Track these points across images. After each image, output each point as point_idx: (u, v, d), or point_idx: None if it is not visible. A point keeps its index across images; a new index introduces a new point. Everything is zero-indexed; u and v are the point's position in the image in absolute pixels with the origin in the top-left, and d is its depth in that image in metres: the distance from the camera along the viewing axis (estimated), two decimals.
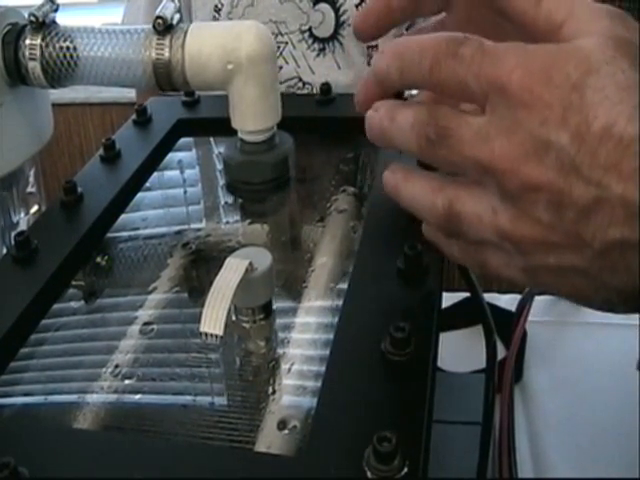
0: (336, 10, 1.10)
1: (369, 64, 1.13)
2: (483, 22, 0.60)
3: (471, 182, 0.37)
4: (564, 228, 0.34)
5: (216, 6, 1.12)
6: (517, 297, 0.85)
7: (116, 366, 0.48)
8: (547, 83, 0.33)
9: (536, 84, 0.33)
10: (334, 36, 1.12)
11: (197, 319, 0.43)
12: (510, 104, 0.34)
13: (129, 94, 1.33)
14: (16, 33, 0.63)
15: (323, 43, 1.12)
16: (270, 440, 0.42)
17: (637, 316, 0.38)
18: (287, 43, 1.13)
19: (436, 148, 0.37)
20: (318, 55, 1.13)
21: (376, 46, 1.10)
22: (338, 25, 1.11)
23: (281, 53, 1.13)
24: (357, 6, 1.09)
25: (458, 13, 0.60)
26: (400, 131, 0.40)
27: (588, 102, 0.32)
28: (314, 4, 1.10)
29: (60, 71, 0.63)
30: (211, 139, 0.74)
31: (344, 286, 0.49)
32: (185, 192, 0.69)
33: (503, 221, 0.36)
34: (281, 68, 1.12)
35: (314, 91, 1.11)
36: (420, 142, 0.38)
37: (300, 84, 1.13)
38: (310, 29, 1.12)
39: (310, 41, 1.12)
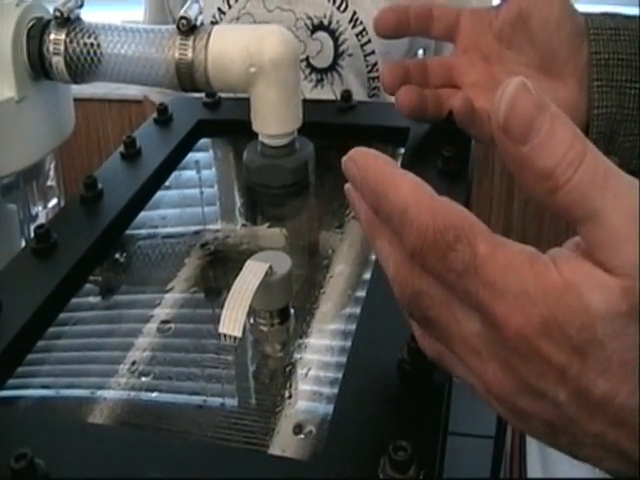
0: (335, 39, 1.04)
1: (369, 96, 1.08)
2: (487, 50, 0.64)
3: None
4: (558, 444, 0.33)
5: (212, 23, 1.04)
6: None
7: (133, 363, 0.48)
8: (547, 339, 0.29)
9: (535, 337, 0.30)
10: (333, 66, 1.05)
11: (214, 320, 0.43)
12: (505, 345, 0.31)
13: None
14: (41, 28, 0.64)
15: (321, 74, 1.06)
16: (285, 444, 0.42)
17: None
18: None
19: (420, 322, 0.35)
20: (315, 86, 1.06)
21: (377, 77, 1.05)
22: (337, 55, 1.04)
23: None
24: (357, 36, 1.03)
25: (463, 42, 0.65)
26: (380, 258, 0.36)
27: (589, 368, 0.29)
28: (312, 32, 1.03)
29: (83, 67, 0.63)
30: (231, 141, 0.75)
31: (362, 293, 0.49)
32: (203, 193, 0.69)
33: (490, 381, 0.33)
34: None
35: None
36: (402, 299, 0.35)
37: None
38: (307, 58, 1.05)
39: (307, 71, 1.05)
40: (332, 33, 1.04)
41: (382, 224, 0.34)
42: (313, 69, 1.06)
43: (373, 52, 1.05)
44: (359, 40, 1.04)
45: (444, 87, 0.64)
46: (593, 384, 0.29)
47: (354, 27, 1.03)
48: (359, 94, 1.06)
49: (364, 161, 0.34)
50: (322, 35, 1.04)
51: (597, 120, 0.59)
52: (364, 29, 1.03)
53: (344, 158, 0.35)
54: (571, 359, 0.29)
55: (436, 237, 0.31)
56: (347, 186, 0.37)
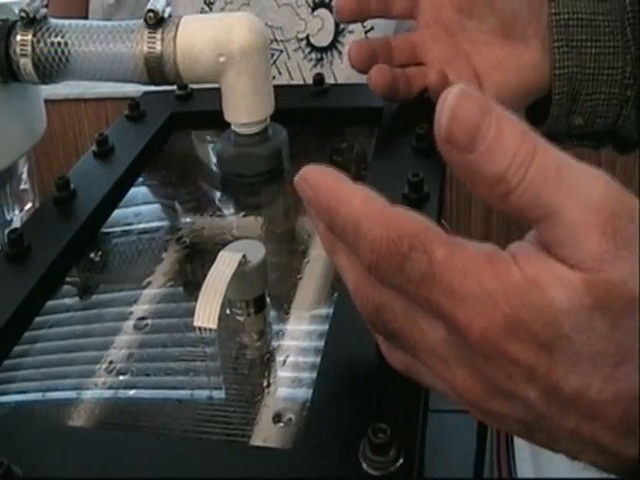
0: None
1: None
2: (448, 22, 0.64)
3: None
4: (535, 440, 0.33)
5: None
6: None
7: (110, 362, 0.48)
8: (512, 338, 0.29)
9: (500, 338, 0.29)
10: (333, 45, 1.06)
11: (192, 313, 0.42)
12: (470, 350, 0.30)
13: (123, 89, 1.32)
14: (7, 29, 0.63)
15: (321, 53, 1.06)
16: (266, 433, 0.41)
17: None
18: (282, 51, 1.07)
19: (384, 335, 0.36)
20: (315, 66, 1.07)
21: None
22: (338, 32, 1.05)
23: (274, 62, 1.07)
24: None
25: (424, 17, 0.65)
26: (340, 273, 0.37)
27: (558, 365, 0.29)
28: (313, 10, 1.05)
29: (52, 67, 0.62)
30: (205, 132, 0.74)
31: (339, 277, 0.49)
32: (178, 186, 0.69)
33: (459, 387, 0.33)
34: (273, 78, 1.07)
35: None
36: (364, 313, 0.35)
37: None
38: (307, 37, 1.06)
39: (307, 50, 1.06)
40: (333, 10, 1.03)
41: (339, 240, 0.34)
42: (313, 48, 1.06)
43: (372, 29, 1.04)
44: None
45: (409, 65, 0.65)
46: (563, 380, 0.29)
47: None
48: (359, 76, 1.06)
49: (315, 180, 0.34)
50: (323, 12, 1.05)
51: (559, 80, 0.59)
52: None
53: (296, 177, 0.35)
54: (538, 357, 0.29)
55: (390, 249, 0.30)
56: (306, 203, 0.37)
